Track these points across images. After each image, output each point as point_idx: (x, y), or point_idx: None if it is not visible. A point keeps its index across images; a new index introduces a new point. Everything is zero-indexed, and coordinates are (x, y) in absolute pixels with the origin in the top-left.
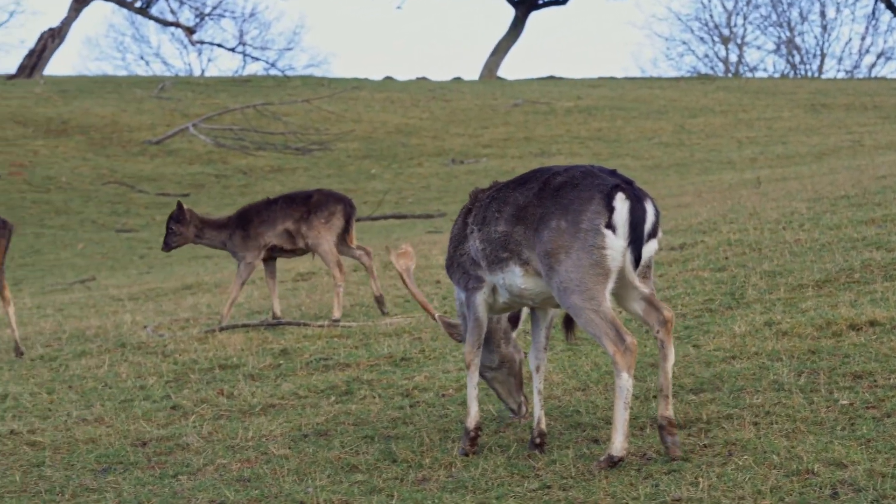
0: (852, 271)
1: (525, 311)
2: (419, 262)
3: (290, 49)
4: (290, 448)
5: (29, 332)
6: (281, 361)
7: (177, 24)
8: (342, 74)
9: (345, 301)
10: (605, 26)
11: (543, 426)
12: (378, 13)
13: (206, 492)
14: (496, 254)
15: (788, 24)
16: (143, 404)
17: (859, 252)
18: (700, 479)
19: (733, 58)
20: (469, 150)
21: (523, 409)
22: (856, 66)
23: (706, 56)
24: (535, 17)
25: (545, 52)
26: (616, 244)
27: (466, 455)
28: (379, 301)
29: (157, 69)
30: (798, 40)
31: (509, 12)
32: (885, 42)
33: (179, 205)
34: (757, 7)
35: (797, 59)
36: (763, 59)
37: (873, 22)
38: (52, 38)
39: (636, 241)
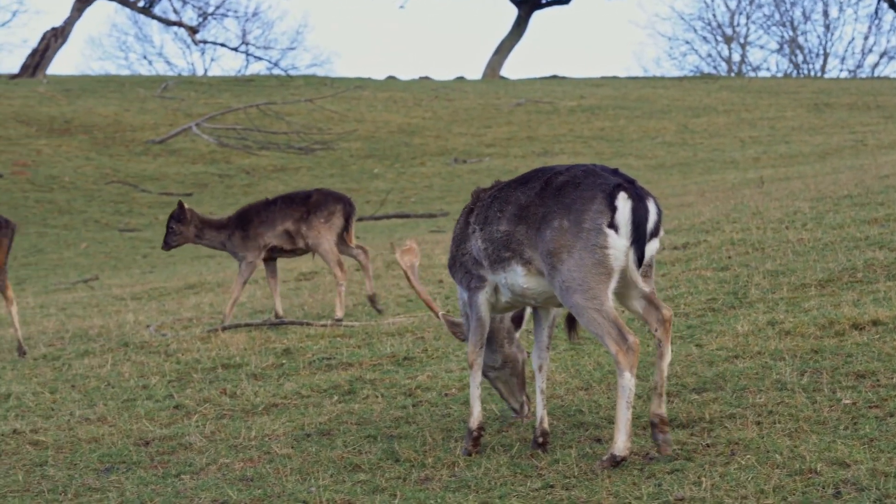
0: (855, 271)
1: (528, 311)
2: (422, 262)
3: (293, 48)
4: (292, 447)
5: (32, 332)
6: (284, 361)
7: (180, 24)
8: (345, 74)
9: (347, 300)
10: (608, 26)
11: (546, 425)
12: (381, 12)
13: (208, 491)
14: (498, 253)
15: (791, 23)
16: (145, 404)
17: (862, 251)
18: (703, 479)
19: (736, 57)
20: (472, 149)
21: (525, 408)
22: (859, 66)
23: (709, 55)
24: (538, 16)
25: (548, 51)
26: (619, 244)
27: (469, 455)
28: (371, 299)
29: (160, 69)
30: (801, 40)
31: (512, 12)
32: (889, 41)
33: (181, 204)
34: (760, 6)
35: (800, 58)
36: (766, 59)
37: (876, 21)
38: (55, 38)
39: (639, 240)
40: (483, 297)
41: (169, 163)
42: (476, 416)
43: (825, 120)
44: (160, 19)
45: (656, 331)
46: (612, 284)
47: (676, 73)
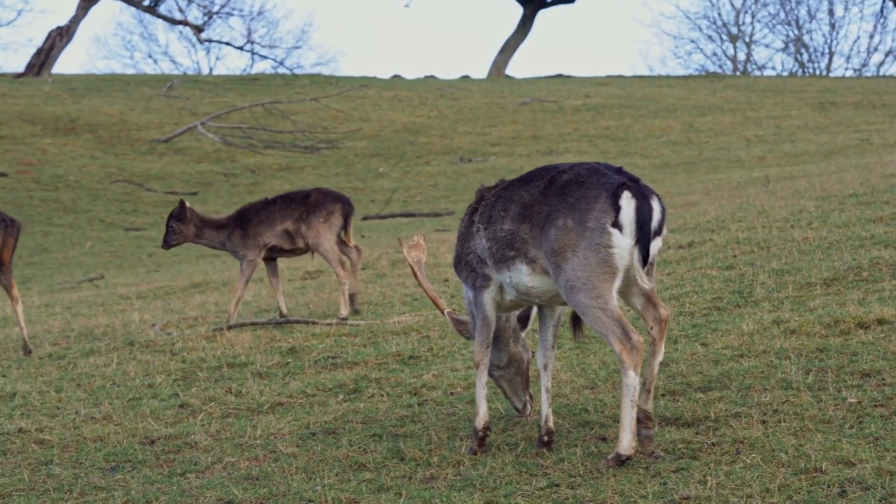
0: (860, 269)
1: (534, 310)
2: (427, 260)
3: (298, 47)
4: (298, 446)
5: (37, 331)
6: (289, 360)
7: (185, 23)
8: (350, 73)
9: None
10: (614, 25)
11: (551, 424)
12: (386, 11)
13: (214, 490)
14: (502, 252)
15: (797, 22)
16: (151, 402)
17: (867, 250)
18: (708, 478)
19: (742, 56)
20: (477, 148)
21: (528, 407)
22: (864, 65)
23: (714, 54)
24: (543, 15)
25: (553, 50)
26: (623, 243)
27: (474, 454)
28: (351, 298)
29: (166, 67)
30: (806, 38)
31: (517, 11)
32: (894, 40)
33: (182, 203)
34: (765, 5)
35: (805, 57)
36: (771, 58)
37: (881, 20)
38: (60, 37)
39: (643, 239)
40: (488, 296)
41: (174, 162)
42: (482, 416)
43: (830, 119)
44: (165, 18)
45: (652, 329)
46: (617, 283)
47: (682, 72)
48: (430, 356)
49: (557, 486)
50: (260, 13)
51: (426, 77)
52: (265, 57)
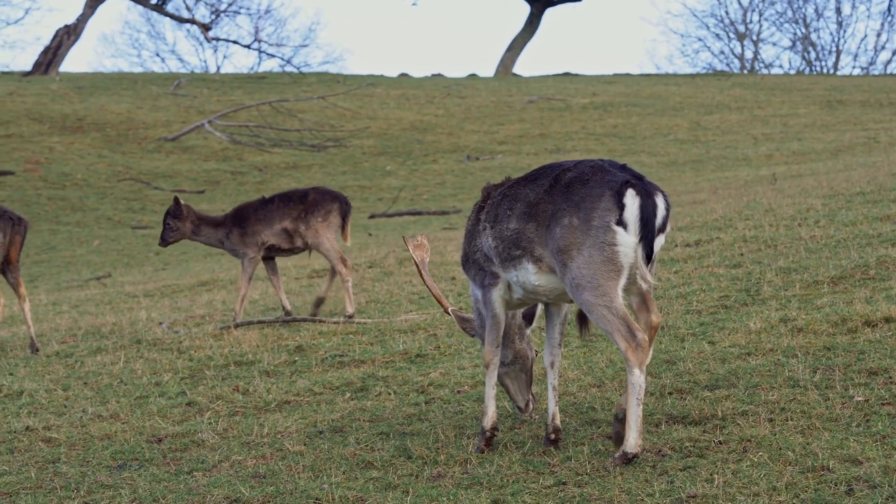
0: (867, 268)
1: (540, 307)
2: (434, 259)
3: (305, 46)
4: (305, 444)
5: (44, 329)
6: (296, 358)
7: (192, 21)
8: (357, 71)
9: (360, 298)
10: (621, 23)
11: (558, 422)
12: (394, 10)
13: (221, 488)
14: (509, 251)
15: (804, 20)
16: (158, 401)
17: (874, 248)
18: (715, 476)
19: (749, 54)
20: (484, 146)
21: (531, 406)
22: (871, 63)
23: (722, 53)
24: (550, 13)
25: (560, 48)
26: (627, 240)
27: (482, 452)
28: (318, 302)
29: (173, 66)
30: (814, 37)
31: (525, 9)
32: None
33: (176, 200)
34: (772, 3)
35: (813, 55)
36: (779, 56)
37: (889, 18)
38: (67, 35)
39: (647, 236)
40: (497, 294)
41: (181, 160)
42: (490, 416)
43: (838, 117)
44: (173, 17)
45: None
46: (622, 281)
47: (689, 71)
48: (438, 354)
49: (564, 484)
50: (267, 12)
51: (433, 75)
52: (272, 55)
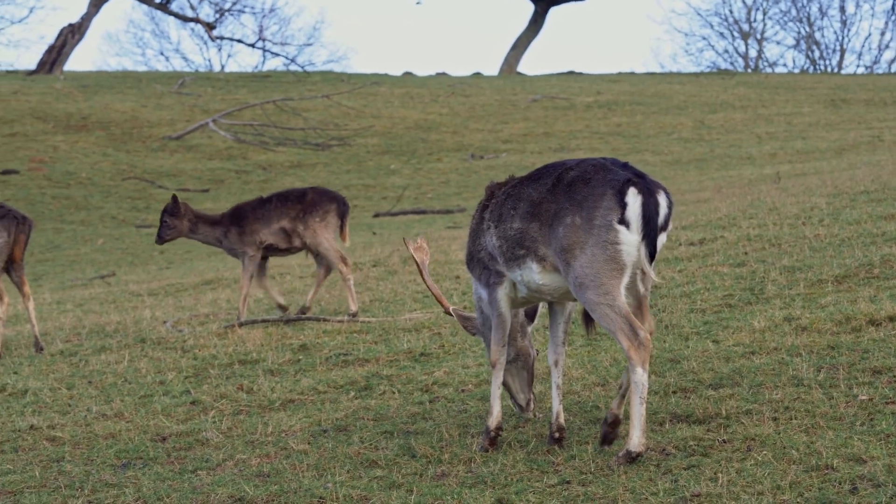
0: (872, 266)
1: (541, 305)
2: (438, 258)
3: (309, 45)
4: (309, 443)
5: (49, 328)
6: (300, 357)
7: (197, 20)
8: (361, 70)
9: (364, 297)
10: (625, 22)
11: (562, 421)
12: (398, 9)
13: (225, 487)
14: (513, 251)
15: (808, 19)
16: (162, 399)
17: (879, 247)
18: (719, 475)
19: (753, 53)
20: (488, 145)
21: (531, 405)
22: (875, 62)
23: (726, 51)
24: (554, 12)
25: (565, 47)
26: (630, 239)
27: (486, 452)
28: (303, 310)
29: (177, 65)
30: (818, 35)
31: (529, 7)
32: None
33: (174, 198)
34: (777, 2)
35: (817, 54)
36: (783, 55)
37: (893, 17)
38: (71, 34)
39: (650, 234)
40: (503, 293)
41: (186, 159)
42: (495, 416)
43: (842, 116)
44: (177, 15)
45: None
46: (625, 280)
47: (693, 69)
48: (442, 353)
49: (568, 483)
50: (271, 10)
51: (438, 74)
52: (277, 54)
